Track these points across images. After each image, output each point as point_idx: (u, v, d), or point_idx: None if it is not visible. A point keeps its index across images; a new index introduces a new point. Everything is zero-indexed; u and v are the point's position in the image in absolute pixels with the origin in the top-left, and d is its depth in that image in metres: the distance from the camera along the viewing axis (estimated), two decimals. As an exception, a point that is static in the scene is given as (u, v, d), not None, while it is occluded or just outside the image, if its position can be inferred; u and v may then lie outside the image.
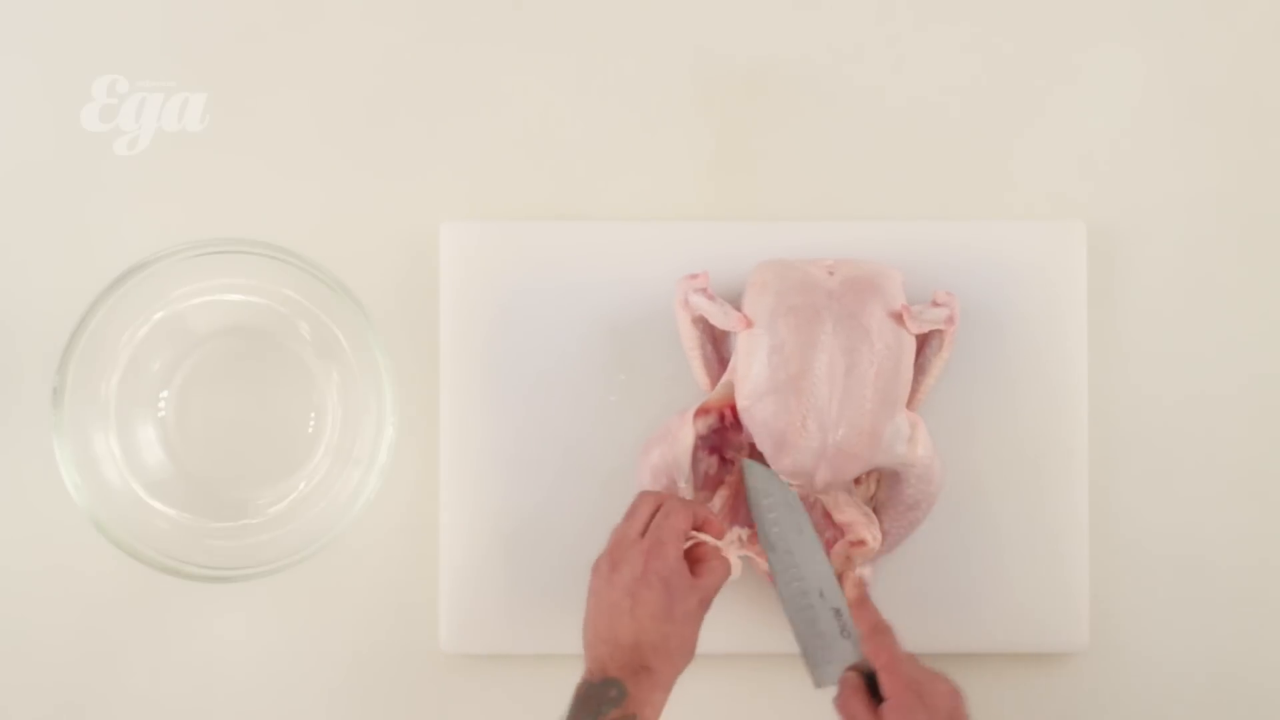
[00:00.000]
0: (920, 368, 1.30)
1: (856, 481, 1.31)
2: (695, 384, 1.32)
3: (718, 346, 1.32)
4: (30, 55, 1.38)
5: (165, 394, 1.36)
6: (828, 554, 1.26)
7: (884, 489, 1.30)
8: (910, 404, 1.30)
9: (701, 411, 1.29)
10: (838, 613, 1.23)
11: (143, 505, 1.33)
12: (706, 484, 1.30)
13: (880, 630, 1.22)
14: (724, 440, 1.30)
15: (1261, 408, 1.38)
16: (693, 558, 1.22)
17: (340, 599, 1.37)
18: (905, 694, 1.18)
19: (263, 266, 1.31)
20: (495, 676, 1.37)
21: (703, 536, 1.23)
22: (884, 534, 1.30)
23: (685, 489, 1.28)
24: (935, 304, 1.30)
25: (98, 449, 1.32)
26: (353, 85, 1.39)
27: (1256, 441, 1.38)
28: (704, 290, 1.30)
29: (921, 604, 1.35)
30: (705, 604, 1.21)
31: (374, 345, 1.31)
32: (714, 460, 1.30)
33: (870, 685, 1.20)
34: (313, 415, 1.36)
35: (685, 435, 1.27)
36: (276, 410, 1.36)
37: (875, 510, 1.30)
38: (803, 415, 1.25)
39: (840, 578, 1.27)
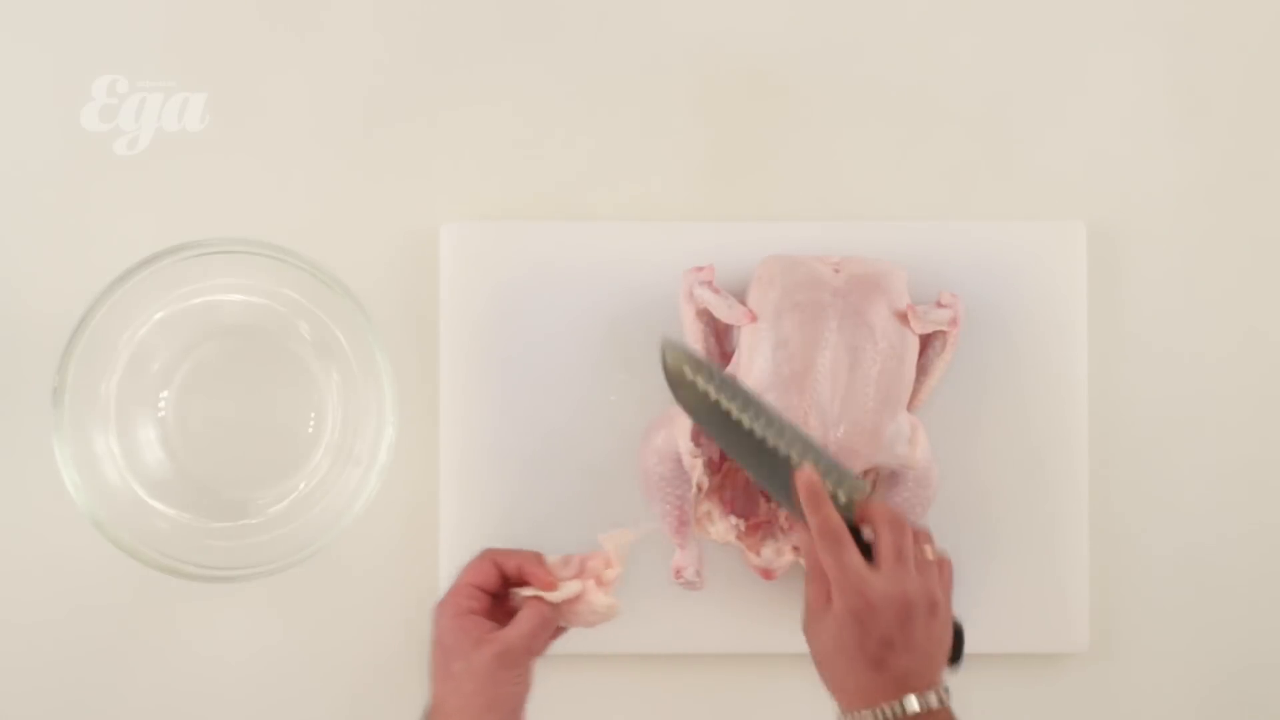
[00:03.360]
0: (922, 368, 1.30)
1: (854, 481, 1.31)
2: (696, 383, 1.32)
3: (721, 340, 1.32)
4: (30, 55, 1.38)
5: (165, 394, 1.36)
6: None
7: (880, 490, 1.30)
8: (912, 405, 1.30)
9: None
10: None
11: (143, 505, 1.33)
12: (710, 469, 1.30)
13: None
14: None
15: (1262, 408, 1.38)
16: (511, 608, 1.20)
17: (340, 599, 1.37)
18: (850, 599, 1.16)
19: (263, 266, 1.31)
20: (495, 676, 1.37)
21: (524, 591, 1.18)
22: None
23: (693, 464, 1.28)
24: (940, 305, 1.30)
25: (98, 449, 1.32)
26: (353, 85, 1.39)
27: (1257, 441, 1.38)
28: (709, 283, 1.30)
29: (922, 604, 1.35)
30: (508, 656, 1.16)
31: (374, 345, 1.31)
32: (716, 446, 1.30)
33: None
34: (313, 415, 1.36)
35: (683, 417, 1.27)
36: (276, 410, 1.36)
37: None
38: (805, 411, 1.25)
39: None
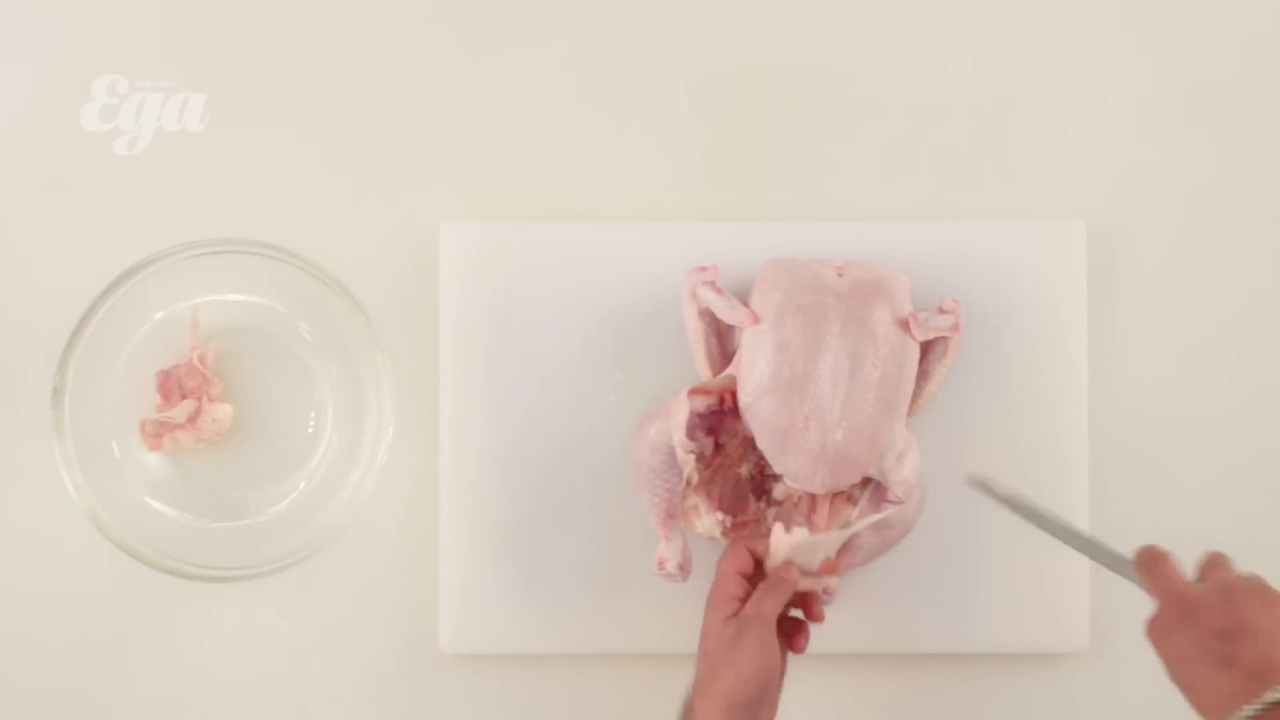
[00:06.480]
0: (923, 373, 1.30)
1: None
2: (696, 382, 1.31)
3: (722, 340, 1.32)
4: (30, 55, 1.38)
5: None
6: None
7: (863, 505, 1.30)
8: (912, 409, 1.30)
9: (700, 391, 1.29)
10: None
11: (143, 505, 1.33)
12: (702, 464, 1.30)
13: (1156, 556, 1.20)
14: (721, 425, 1.30)
15: (1262, 407, 1.38)
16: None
17: (340, 599, 1.37)
18: (1172, 607, 1.14)
19: (263, 266, 1.31)
20: (495, 676, 1.37)
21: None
22: (856, 546, 1.29)
23: (686, 459, 1.28)
24: (941, 311, 1.30)
25: (98, 449, 1.32)
26: (353, 85, 1.39)
27: (1257, 441, 1.38)
28: (712, 283, 1.30)
29: (921, 604, 1.35)
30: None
31: (374, 345, 1.31)
32: (710, 442, 1.30)
33: None
34: (313, 415, 1.36)
35: (680, 410, 1.27)
36: (276, 410, 1.36)
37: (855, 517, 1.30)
38: (805, 416, 1.25)
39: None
